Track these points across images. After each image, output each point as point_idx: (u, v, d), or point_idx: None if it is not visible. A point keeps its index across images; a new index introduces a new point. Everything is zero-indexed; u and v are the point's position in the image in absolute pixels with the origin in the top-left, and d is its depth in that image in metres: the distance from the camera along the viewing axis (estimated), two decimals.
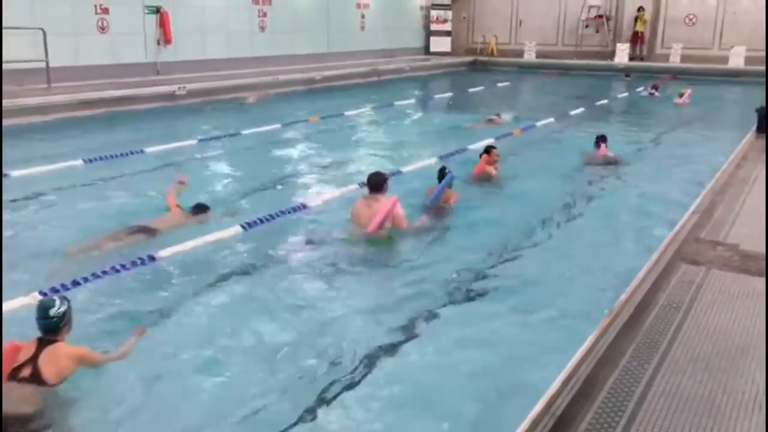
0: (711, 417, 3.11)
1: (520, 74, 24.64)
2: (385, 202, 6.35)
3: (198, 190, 7.88)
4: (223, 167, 10.12)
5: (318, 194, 8.16)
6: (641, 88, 19.80)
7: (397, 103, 16.81)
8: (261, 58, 19.53)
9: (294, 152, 11.21)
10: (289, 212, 7.29)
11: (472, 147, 10.54)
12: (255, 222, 6.83)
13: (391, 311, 5.11)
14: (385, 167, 9.00)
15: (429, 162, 9.81)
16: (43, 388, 3.51)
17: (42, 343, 3.61)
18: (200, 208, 6.95)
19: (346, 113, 14.92)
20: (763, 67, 20.73)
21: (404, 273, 5.89)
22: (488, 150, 8.91)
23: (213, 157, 10.54)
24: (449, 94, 19.42)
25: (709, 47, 24.94)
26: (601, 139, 10.24)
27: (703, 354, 3.69)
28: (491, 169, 8.77)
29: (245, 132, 12.06)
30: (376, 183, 6.51)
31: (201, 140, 11.34)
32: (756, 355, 3.69)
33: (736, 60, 23.31)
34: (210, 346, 4.47)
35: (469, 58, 27.62)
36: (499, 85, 21.57)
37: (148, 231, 6.30)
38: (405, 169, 9.30)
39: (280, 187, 8.78)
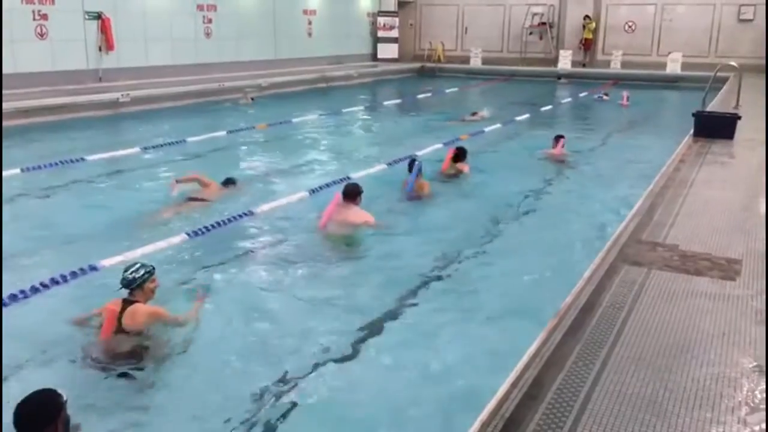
0: (654, 414, 3.19)
1: (467, 80, 24.93)
2: (354, 212, 6.87)
3: (145, 197, 8.11)
4: (169, 175, 9.93)
5: (268, 201, 8.17)
6: (584, 93, 20.43)
7: (346, 109, 16.89)
8: (207, 65, 19.30)
9: (241, 160, 11.11)
10: (235, 219, 7.27)
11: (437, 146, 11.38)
12: (201, 230, 6.78)
13: (345, 309, 5.37)
14: (335, 172, 9.59)
15: (380, 167, 9.93)
16: (127, 336, 4.43)
17: (125, 303, 4.49)
18: (230, 182, 8.44)
19: (294, 120, 14.86)
20: (699, 73, 21.49)
21: (362, 271, 6.23)
22: (452, 150, 9.55)
23: (158, 165, 10.35)
24: (398, 101, 19.54)
25: (648, 54, 25.73)
26: (559, 138, 11.04)
27: (645, 353, 3.79)
28: (462, 166, 9.39)
29: (190, 139, 11.89)
30: (350, 192, 6.97)
31: (144, 148, 11.14)
32: (695, 352, 3.80)
33: (674, 66, 24.07)
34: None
35: (417, 65, 27.85)
36: (447, 90, 21.79)
37: (201, 201, 7.86)
38: (359, 173, 9.43)
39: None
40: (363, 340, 4.89)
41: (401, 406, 4.09)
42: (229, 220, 7.23)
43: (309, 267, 6.23)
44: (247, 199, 8.23)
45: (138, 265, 4.64)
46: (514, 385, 3.38)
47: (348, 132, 14.98)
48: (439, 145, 11.61)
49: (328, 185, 8.67)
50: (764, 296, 4.60)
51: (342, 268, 6.34)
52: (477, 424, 3.08)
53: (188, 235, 6.69)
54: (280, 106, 17.09)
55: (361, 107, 18.14)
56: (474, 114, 15.59)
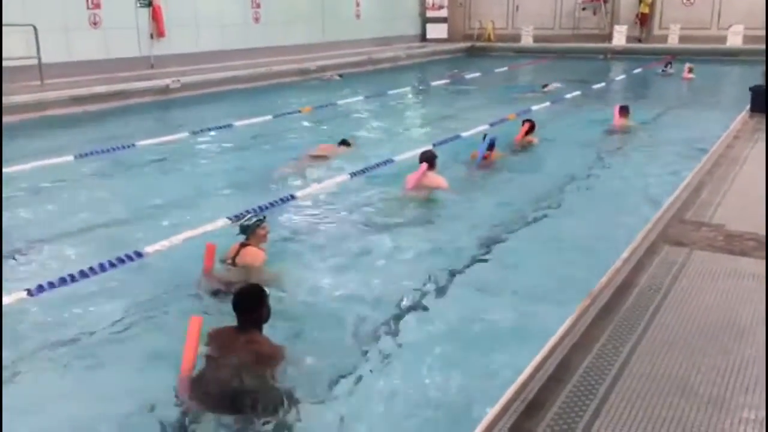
0: (683, 397, 3.10)
1: (517, 59, 24.50)
2: (430, 176, 7.61)
3: (204, 180, 8.71)
4: (223, 158, 10.24)
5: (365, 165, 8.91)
6: (639, 69, 19.94)
7: (392, 91, 16.80)
8: (255, 50, 19.45)
9: (289, 142, 11.21)
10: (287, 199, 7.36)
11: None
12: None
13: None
14: (416, 143, 10.24)
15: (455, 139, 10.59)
16: (239, 270, 5.24)
17: (242, 246, 5.35)
18: (345, 143, 9.85)
19: (340, 102, 14.92)
20: (761, 46, 20.59)
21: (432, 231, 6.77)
22: (525, 122, 10.15)
23: (212, 149, 10.69)
24: (446, 80, 19.34)
25: (708, 27, 24.75)
26: (622, 109, 11.27)
27: (678, 336, 3.68)
28: (531, 138, 10.03)
29: (238, 124, 12.06)
30: (427, 158, 7.72)
31: (194, 132, 11.35)
32: (732, 335, 3.68)
33: (734, 39, 23.13)
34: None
35: (467, 44, 27.48)
36: (496, 70, 21.47)
37: (322, 158, 9.28)
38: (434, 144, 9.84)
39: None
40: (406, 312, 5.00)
41: (425, 383, 4.07)
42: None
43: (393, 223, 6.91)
44: (358, 159, 9.37)
45: (251, 215, 5.69)
46: (538, 367, 3.34)
47: (420, 108, 15.88)
48: (509, 117, 12.22)
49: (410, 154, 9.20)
50: None
51: (416, 226, 6.91)
52: (497, 406, 3.06)
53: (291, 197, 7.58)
54: (325, 90, 17.18)
55: (418, 87, 18.37)
56: (545, 86, 16.21)
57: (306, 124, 12.81)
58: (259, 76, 17.42)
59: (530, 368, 3.32)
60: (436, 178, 7.68)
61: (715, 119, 11.25)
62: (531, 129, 10.07)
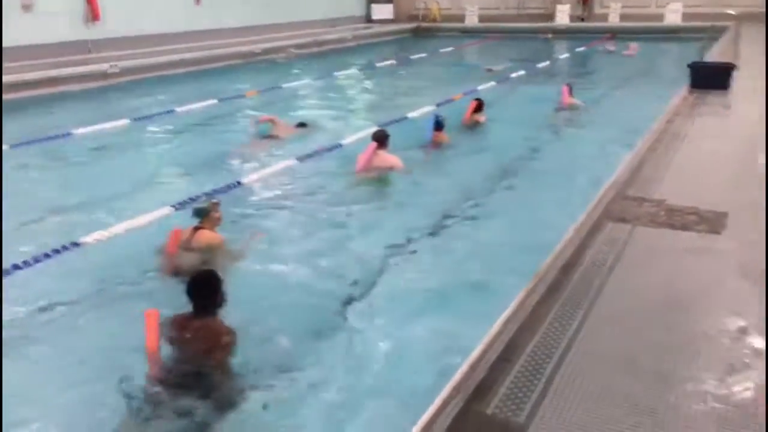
0: (628, 372, 3.14)
1: (463, 39, 24.54)
2: (382, 156, 7.64)
3: (147, 168, 8.53)
4: (164, 144, 10.05)
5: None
6: (582, 48, 20.22)
7: (339, 73, 16.68)
8: (197, 32, 18.98)
9: (234, 127, 10.99)
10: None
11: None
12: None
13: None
14: (364, 124, 10.49)
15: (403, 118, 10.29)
16: (195, 253, 5.21)
17: (196, 229, 5.34)
18: (302, 125, 10.11)
19: (286, 85, 14.70)
20: (699, 23, 21.12)
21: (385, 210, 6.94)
22: (473, 102, 10.27)
23: (153, 136, 10.43)
24: (392, 61, 19.24)
25: (647, 5, 25.18)
26: (566, 87, 11.46)
27: (623, 312, 3.73)
28: (479, 117, 10.12)
29: (180, 109, 11.76)
30: (379, 137, 7.76)
31: (136, 119, 11.03)
32: (676, 309, 3.74)
33: (673, 17, 23.61)
34: None
35: (412, 25, 27.39)
36: (441, 50, 21.46)
37: (276, 138, 9.42)
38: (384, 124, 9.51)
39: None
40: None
41: (382, 366, 4.08)
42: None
43: (345, 205, 6.96)
44: (310, 141, 9.45)
45: (205, 199, 5.81)
46: (487, 348, 3.33)
47: (367, 89, 15.59)
48: (454, 97, 12.28)
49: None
50: (749, 249, 4.52)
51: (370, 206, 6.99)
52: (447, 389, 3.04)
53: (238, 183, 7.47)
54: (272, 72, 16.92)
55: (364, 68, 18.17)
56: (489, 68, 16.33)
57: (252, 107, 12.57)
58: (202, 59, 17.02)
59: (479, 350, 3.31)
60: (388, 158, 7.68)
61: (657, 96, 11.44)
62: (479, 108, 10.16)
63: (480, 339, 3.41)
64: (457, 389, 3.04)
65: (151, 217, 6.30)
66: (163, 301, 4.49)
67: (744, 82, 11.19)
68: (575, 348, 3.35)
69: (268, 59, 18.82)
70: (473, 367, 3.18)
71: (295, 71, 17.08)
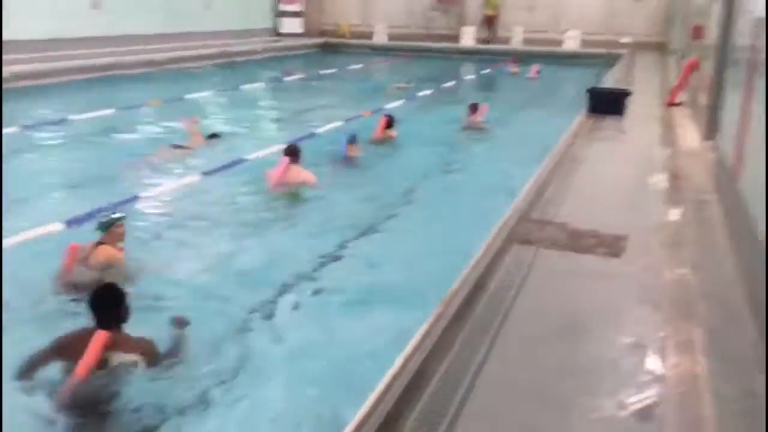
0: (537, 400, 3.13)
1: (372, 56, 24.69)
2: (295, 171, 7.60)
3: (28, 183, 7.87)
4: (57, 155, 9.51)
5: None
6: (488, 70, 20.79)
7: (246, 86, 16.36)
8: (96, 39, 18.14)
9: (134, 137, 10.53)
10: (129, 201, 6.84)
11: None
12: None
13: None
14: (275, 138, 10.25)
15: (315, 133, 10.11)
16: (93, 270, 5.05)
17: (97, 245, 5.19)
18: (214, 135, 9.98)
19: (188, 96, 14.28)
20: (595, 50, 22.23)
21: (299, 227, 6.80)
22: (384, 118, 10.33)
23: (45, 145, 9.86)
24: (301, 75, 19.09)
25: (547, 30, 26.18)
26: (474, 107, 11.62)
27: (530, 337, 3.74)
28: (391, 133, 10.25)
29: (75, 118, 11.17)
30: (292, 152, 7.72)
31: (26, 126, 10.38)
32: (579, 333, 3.79)
33: (572, 43, 24.64)
34: None
35: (321, 40, 27.34)
36: (350, 67, 21.50)
37: (184, 148, 9.18)
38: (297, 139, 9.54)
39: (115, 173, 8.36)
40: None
41: (276, 395, 3.92)
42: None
43: (257, 220, 6.90)
44: (220, 153, 9.25)
45: (108, 213, 5.53)
46: (396, 377, 3.24)
47: (275, 104, 15.38)
48: (363, 113, 12.29)
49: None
50: (647, 273, 4.67)
51: (282, 221, 6.95)
52: (354, 422, 2.93)
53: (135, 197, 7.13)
54: (173, 82, 16.40)
55: (272, 82, 17.93)
56: (399, 87, 16.38)
57: (154, 118, 12.12)
58: (102, 66, 16.32)
59: (386, 379, 3.21)
60: (301, 173, 7.66)
61: (558, 119, 11.83)
62: (389, 124, 10.28)
63: (387, 368, 3.32)
64: (363, 423, 2.93)
65: (37, 234, 5.89)
66: (55, 318, 4.35)
67: (637, 108, 11.75)
68: (483, 376, 3.32)
69: (172, 69, 18.27)
70: (380, 399, 3.08)
71: (202, 82, 16.64)
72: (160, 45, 19.81)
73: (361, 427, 2.91)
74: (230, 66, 20.52)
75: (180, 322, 4.25)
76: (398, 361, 3.36)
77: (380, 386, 3.16)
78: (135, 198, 7.15)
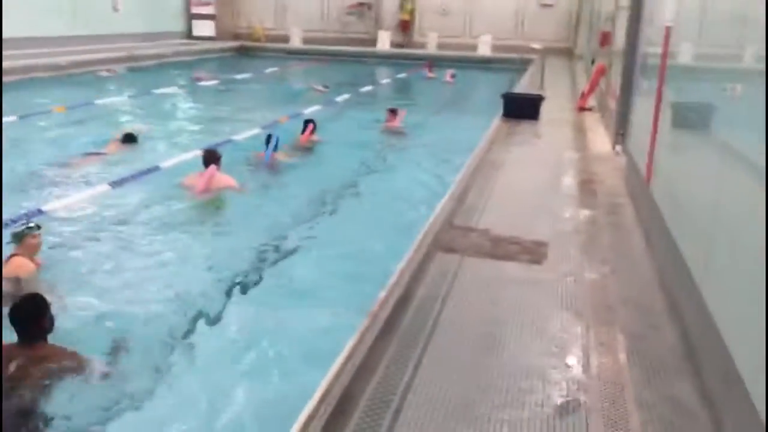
0: (465, 420, 3.07)
1: (287, 60, 24.41)
2: (216, 176, 7.60)
3: None
4: None
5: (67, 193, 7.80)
6: (404, 74, 20.91)
7: (158, 91, 15.82)
8: None
9: (38, 147, 9.94)
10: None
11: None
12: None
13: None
14: (192, 144, 10.14)
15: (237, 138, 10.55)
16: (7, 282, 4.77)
17: (11, 257, 4.99)
18: (129, 138, 9.77)
19: (98, 102, 13.67)
20: (507, 55, 22.75)
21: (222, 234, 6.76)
22: (308, 123, 10.42)
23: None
24: (216, 81, 18.63)
25: (460, 36, 26.59)
26: (392, 112, 11.85)
27: (456, 350, 3.69)
28: (314, 137, 10.34)
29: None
30: (211, 157, 7.72)
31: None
32: (505, 345, 3.77)
33: (484, 48, 25.12)
34: None
35: (236, 43, 26.83)
36: (267, 71, 21.17)
37: (100, 154, 9.13)
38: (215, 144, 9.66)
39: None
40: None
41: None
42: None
43: (178, 227, 6.73)
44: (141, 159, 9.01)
45: (22, 223, 5.36)
46: (321, 400, 3.12)
47: (188, 109, 15.05)
48: (281, 119, 12.17)
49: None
50: (568, 280, 4.72)
51: (203, 228, 6.90)
52: None
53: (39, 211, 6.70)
54: (125, 81, 15.70)
55: (185, 87, 17.56)
56: (318, 89, 16.40)
57: (60, 125, 11.53)
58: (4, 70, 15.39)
59: (312, 404, 3.08)
60: (223, 178, 7.69)
61: (475, 123, 11.96)
62: (313, 129, 10.39)
63: (313, 390, 3.19)
64: None
65: None
66: None
67: (551, 113, 12.04)
68: (413, 393, 3.24)
69: (78, 73, 17.47)
70: (306, 426, 2.95)
71: (110, 87, 16.02)
72: (66, 48, 18.92)
73: None
74: (141, 70, 19.82)
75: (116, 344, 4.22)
76: (324, 383, 3.23)
77: (305, 413, 3.03)
78: (43, 209, 6.81)
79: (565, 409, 3.18)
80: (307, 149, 10.11)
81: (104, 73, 18.06)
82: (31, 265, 5.07)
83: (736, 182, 3.37)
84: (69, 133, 10.97)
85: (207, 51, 24.73)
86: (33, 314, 3.76)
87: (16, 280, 4.86)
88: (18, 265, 4.96)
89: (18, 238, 5.13)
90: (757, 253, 2.74)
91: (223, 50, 25.71)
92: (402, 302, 4.25)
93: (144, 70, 19.96)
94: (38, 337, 3.75)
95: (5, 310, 3.89)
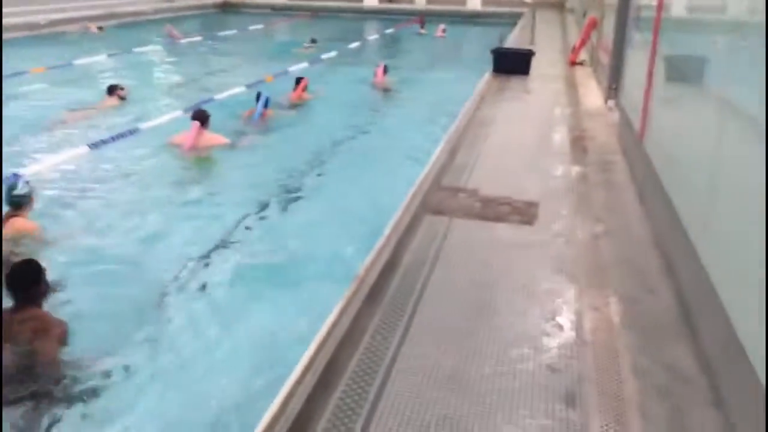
0: (455, 390, 2.95)
1: (271, 16, 23.85)
2: (206, 135, 7.66)
3: None
4: None
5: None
6: (391, 30, 20.46)
7: (139, 49, 15.43)
8: None
9: (16, 108, 9.65)
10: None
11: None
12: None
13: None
14: (180, 103, 9.92)
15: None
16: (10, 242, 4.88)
17: (8, 217, 5.06)
18: (114, 88, 9.87)
19: (78, 62, 13.29)
20: (497, 8, 22.29)
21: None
22: (299, 80, 10.39)
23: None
24: (197, 38, 18.17)
25: None
26: (381, 67, 11.75)
27: (445, 317, 3.56)
28: (305, 95, 10.29)
29: None
30: (200, 117, 7.71)
31: None
32: (496, 310, 3.64)
33: (474, 2, 24.64)
34: None
35: (220, 0, 26.19)
36: (251, 28, 20.67)
37: (91, 109, 9.28)
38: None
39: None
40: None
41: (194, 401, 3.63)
42: None
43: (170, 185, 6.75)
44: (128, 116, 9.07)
45: (14, 183, 5.29)
46: (304, 372, 2.99)
47: (171, 67, 14.67)
48: (267, 78, 11.75)
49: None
50: (559, 241, 4.59)
51: (195, 186, 6.83)
52: (262, 425, 2.67)
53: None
54: (105, 40, 15.26)
55: (167, 45, 17.06)
56: (308, 46, 16.16)
57: (40, 86, 11.21)
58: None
59: (295, 375, 2.95)
60: (213, 136, 7.75)
61: (465, 79, 11.71)
62: (305, 86, 10.40)
63: (296, 360, 3.06)
64: (271, 426, 2.67)
65: None
66: None
67: (541, 67, 11.79)
68: (399, 363, 3.12)
69: (56, 32, 16.99)
70: (289, 396, 2.83)
71: (89, 46, 15.56)
72: (41, 6, 18.37)
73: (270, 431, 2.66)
74: (121, 27, 19.32)
75: None
76: (308, 352, 3.10)
77: (288, 383, 2.90)
78: (40, 166, 6.97)
79: (557, 378, 3.07)
80: (298, 106, 10.01)
81: (94, 31, 17.87)
82: (35, 224, 5.19)
83: (735, 136, 3.21)
84: (49, 93, 10.67)
85: (191, 7, 24.14)
86: (30, 279, 3.77)
87: (15, 240, 4.93)
88: (21, 225, 5.06)
89: (24, 199, 5.21)
90: (757, 210, 2.60)
91: (207, 6, 25.10)
92: (389, 267, 4.11)
93: (125, 27, 19.46)
94: (32, 302, 3.75)
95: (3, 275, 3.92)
